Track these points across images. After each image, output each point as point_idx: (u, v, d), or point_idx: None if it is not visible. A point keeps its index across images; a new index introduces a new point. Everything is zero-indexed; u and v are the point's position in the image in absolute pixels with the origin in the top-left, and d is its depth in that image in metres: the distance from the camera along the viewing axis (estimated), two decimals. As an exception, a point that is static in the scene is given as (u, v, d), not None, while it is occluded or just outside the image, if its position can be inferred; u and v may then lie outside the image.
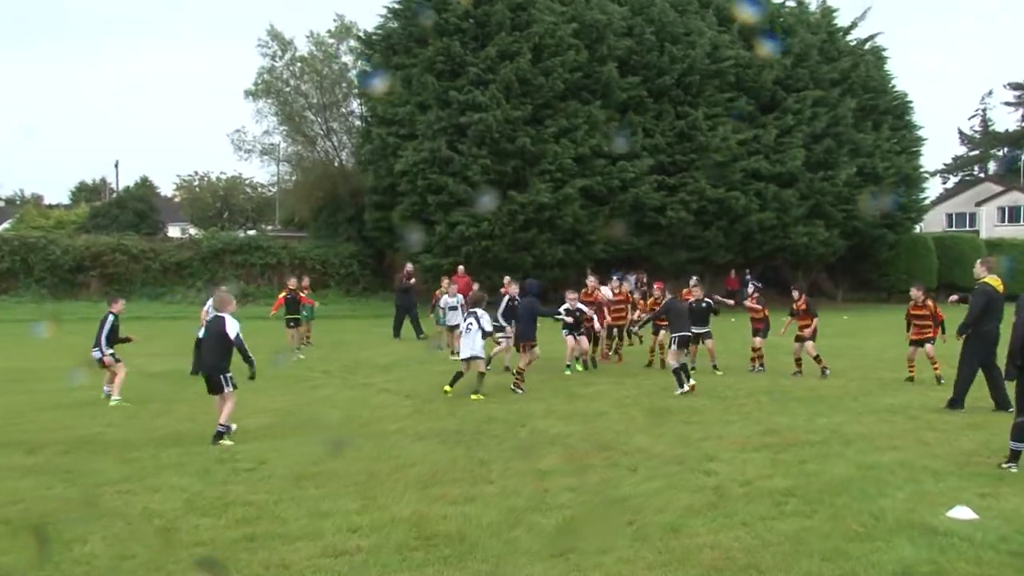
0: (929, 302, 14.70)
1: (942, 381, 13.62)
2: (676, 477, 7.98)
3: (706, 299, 15.92)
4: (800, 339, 15.36)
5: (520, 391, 13.20)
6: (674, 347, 13.53)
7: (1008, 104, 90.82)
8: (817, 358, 15.14)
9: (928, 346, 14.32)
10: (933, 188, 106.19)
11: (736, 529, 6.41)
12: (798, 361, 15.50)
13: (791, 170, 37.78)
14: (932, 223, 60.56)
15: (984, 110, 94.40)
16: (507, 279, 17.90)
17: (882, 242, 43.03)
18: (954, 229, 62.81)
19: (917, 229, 50.46)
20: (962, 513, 6.62)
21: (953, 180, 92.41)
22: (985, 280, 11.10)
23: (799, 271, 42.82)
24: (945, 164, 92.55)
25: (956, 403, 11.40)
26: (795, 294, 15.91)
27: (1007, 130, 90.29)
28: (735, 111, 37.69)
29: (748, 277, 39.09)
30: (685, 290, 17.03)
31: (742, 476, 7.97)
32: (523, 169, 33.52)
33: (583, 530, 6.47)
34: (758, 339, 16.09)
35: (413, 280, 24.77)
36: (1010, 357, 8.52)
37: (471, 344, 12.95)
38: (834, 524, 6.48)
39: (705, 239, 37.00)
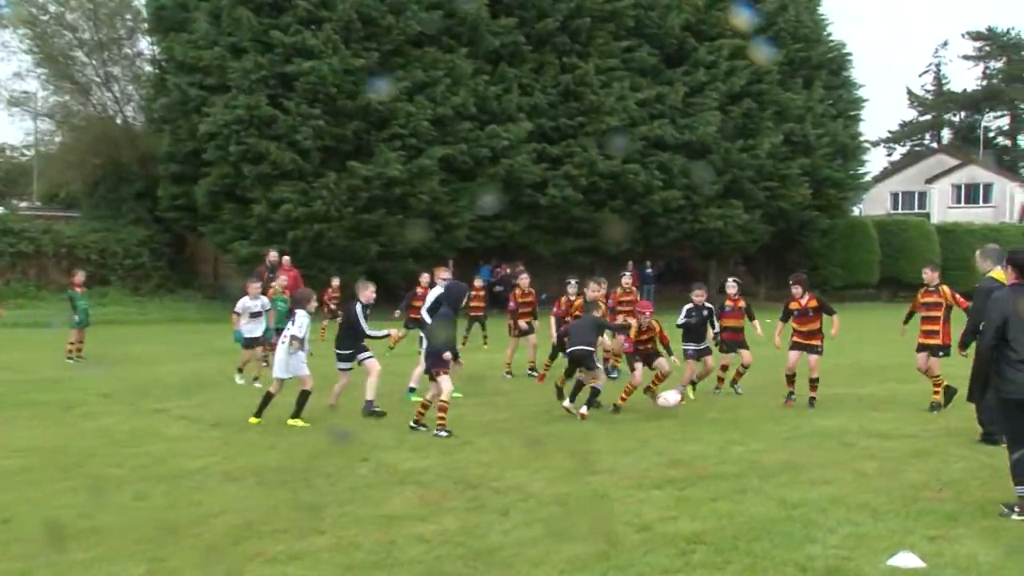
0: (945, 288, 14.04)
1: (938, 408, 13.82)
2: (558, 522, 8.04)
3: (706, 305, 15.62)
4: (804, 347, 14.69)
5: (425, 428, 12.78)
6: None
7: (966, 58, 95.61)
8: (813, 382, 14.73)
9: (933, 359, 13.98)
10: (876, 161, 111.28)
11: (632, 585, 6.51)
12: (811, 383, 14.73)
13: (703, 138, 38.86)
14: (874, 204, 63.32)
15: (938, 65, 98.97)
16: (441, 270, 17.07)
17: (813, 227, 44.59)
18: (901, 211, 65.78)
19: (856, 212, 52.55)
20: (907, 560, 6.85)
21: (900, 151, 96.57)
22: (991, 275, 10.85)
23: (712, 262, 44.05)
24: (891, 131, 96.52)
25: (989, 436, 11.17)
26: (798, 289, 14.88)
27: (964, 90, 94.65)
28: (634, 64, 38.49)
29: (650, 271, 40.05)
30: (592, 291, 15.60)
31: (639, 519, 8.09)
32: (367, 133, 33.38)
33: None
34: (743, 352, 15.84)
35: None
36: (974, 377, 8.62)
37: (289, 358, 12.84)
38: (751, 576, 6.65)
39: (596, 223, 37.62)
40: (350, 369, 14.00)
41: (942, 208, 66.03)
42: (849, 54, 47.01)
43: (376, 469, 10.15)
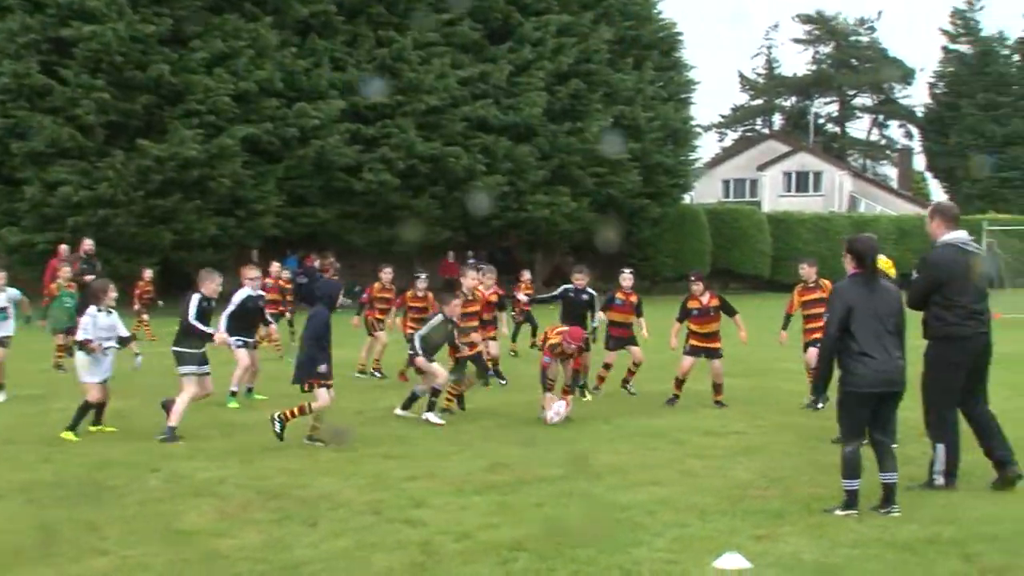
0: (826, 281, 13.96)
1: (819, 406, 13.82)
2: (371, 531, 8.04)
3: (588, 290, 15.62)
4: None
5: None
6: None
7: (797, 41, 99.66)
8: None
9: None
10: (708, 147, 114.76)
11: (449, 598, 6.55)
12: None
13: (528, 120, 39.28)
14: (706, 192, 65.27)
15: (769, 48, 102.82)
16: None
17: (643, 216, 45.58)
18: (732, 199, 68.03)
19: (687, 199, 53.99)
20: (732, 562, 7.13)
21: (732, 137, 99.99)
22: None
23: (538, 253, 44.58)
24: (722, 116, 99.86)
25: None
26: (699, 286, 14.98)
27: (795, 75, 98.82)
28: (456, 39, 38.62)
29: (472, 261, 40.23)
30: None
31: (459, 527, 8.15)
32: (159, 109, 32.44)
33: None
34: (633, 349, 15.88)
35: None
36: (818, 372, 8.97)
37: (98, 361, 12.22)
38: (576, 584, 6.76)
39: (415, 210, 37.61)
40: (206, 374, 12.74)
41: (773, 196, 68.55)
42: (680, 34, 48.30)
43: (168, 480, 9.91)
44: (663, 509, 8.69)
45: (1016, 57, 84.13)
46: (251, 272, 15.32)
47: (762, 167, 70.43)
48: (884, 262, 10.93)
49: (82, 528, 8.22)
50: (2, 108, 30.78)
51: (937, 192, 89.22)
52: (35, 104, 30.94)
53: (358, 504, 8.88)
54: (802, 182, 70.04)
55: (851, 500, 8.52)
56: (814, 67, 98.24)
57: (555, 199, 40.42)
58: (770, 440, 11.88)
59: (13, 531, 8.16)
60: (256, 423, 13.03)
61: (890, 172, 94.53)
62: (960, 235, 9.50)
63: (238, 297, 14.81)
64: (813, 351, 14.10)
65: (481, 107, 38.36)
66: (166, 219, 32.56)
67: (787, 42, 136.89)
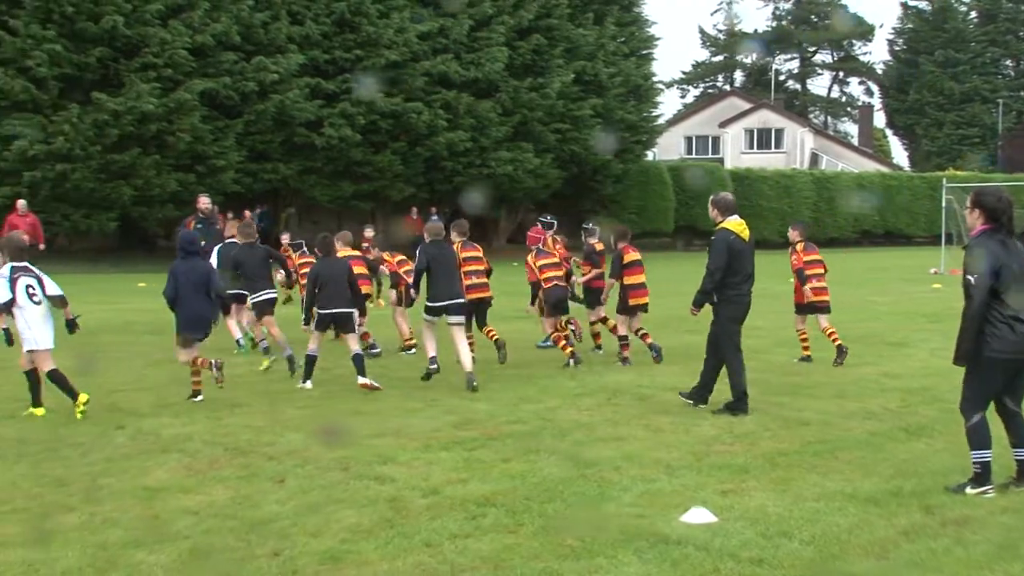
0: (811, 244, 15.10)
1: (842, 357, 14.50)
2: (338, 488, 8.09)
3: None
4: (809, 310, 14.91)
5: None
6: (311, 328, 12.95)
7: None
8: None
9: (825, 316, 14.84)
10: (669, 103, 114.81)
11: (418, 552, 6.61)
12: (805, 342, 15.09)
13: (490, 75, 39.16)
14: (668, 149, 65.47)
15: (729, 4, 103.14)
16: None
17: (607, 173, 45.68)
18: (694, 156, 68.27)
19: (650, 156, 54.15)
20: (699, 516, 7.23)
21: (694, 94, 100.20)
22: (725, 225, 11.18)
23: (501, 211, 44.56)
24: (684, 72, 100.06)
25: (741, 403, 11.02)
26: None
27: (756, 30, 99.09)
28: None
29: (435, 218, 40.19)
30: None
31: (426, 483, 8.22)
32: (115, 62, 32.04)
33: (209, 568, 6.38)
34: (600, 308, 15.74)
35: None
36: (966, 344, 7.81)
37: (41, 326, 11.11)
38: (544, 539, 6.84)
39: (377, 166, 37.50)
40: None
41: (735, 153, 68.85)
42: (640, -12, 48.26)
43: (135, 437, 9.92)
44: (629, 465, 8.78)
45: (973, 14, 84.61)
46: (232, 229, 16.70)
47: (724, 124, 70.69)
48: (736, 224, 11.17)
49: (49, 484, 8.22)
50: (-49, 60, 30.29)
51: (897, 149, 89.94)
52: (-15, 56, 30.49)
53: (325, 460, 8.91)
54: (764, 139, 70.41)
55: (984, 474, 7.79)
56: (774, 23, 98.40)
57: (518, 156, 40.36)
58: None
59: (-23, 488, 8.16)
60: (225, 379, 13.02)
61: (851, 129, 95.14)
62: None
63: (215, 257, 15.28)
64: (803, 317, 14.91)
65: (442, 62, 38.17)
66: (125, 174, 32.22)
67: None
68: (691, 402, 11.27)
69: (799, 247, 14.95)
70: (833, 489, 7.99)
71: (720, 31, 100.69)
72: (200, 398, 11.80)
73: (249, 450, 9.32)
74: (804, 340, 14.98)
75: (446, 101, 38.18)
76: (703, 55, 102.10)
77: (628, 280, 14.54)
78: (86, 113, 30.93)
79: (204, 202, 20.12)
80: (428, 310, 12.98)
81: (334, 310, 12.61)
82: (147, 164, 32.32)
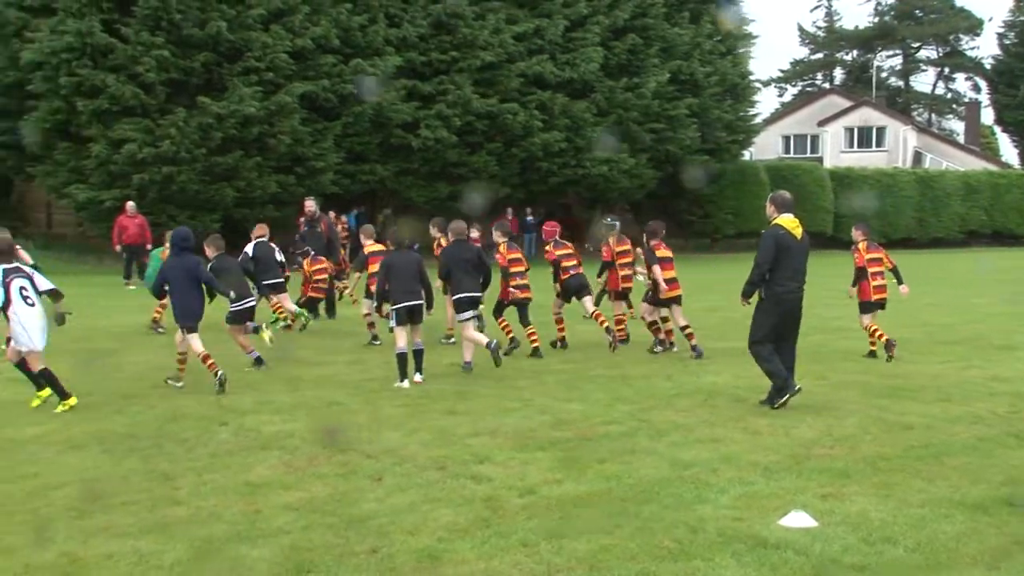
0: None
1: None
2: (435, 487, 8.13)
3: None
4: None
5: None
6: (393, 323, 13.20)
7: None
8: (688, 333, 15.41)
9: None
10: (767, 102, 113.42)
11: (515, 552, 6.62)
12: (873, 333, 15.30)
13: (585, 76, 39.08)
14: (765, 148, 64.66)
15: (829, 1, 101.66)
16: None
17: (703, 173, 45.28)
18: (792, 156, 67.32)
19: (746, 156, 53.56)
20: (798, 520, 7.12)
21: (792, 92, 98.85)
22: (778, 222, 11.39)
23: (597, 210, 44.40)
24: (782, 71, 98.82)
25: (777, 395, 11.33)
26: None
27: (856, 27, 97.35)
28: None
29: (530, 219, 40.37)
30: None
31: (522, 482, 8.23)
32: (218, 66, 32.66)
33: (308, 563, 6.47)
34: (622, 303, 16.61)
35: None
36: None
37: (35, 327, 11.28)
38: (641, 540, 6.81)
39: (472, 167, 37.65)
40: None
41: (835, 152, 67.75)
42: (738, -14, 47.82)
43: (237, 434, 10.09)
44: (727, 466, 8.70)
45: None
46: (260, 231, 18.05)
47: (823, 122, 69.56)
48: (789, 221, 11.33)
49: (156, 479, 8.41)
50: (67, 67, 31.06)
51: (1006, 146, 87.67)
52: (99, 62, 31.22)
53: (422, 459, 8.97)
54: (865, 137, 69.06)
55: None
56: (876, 19, 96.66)
57: (613, 156, 40.22)
58: (833, 398, 11.79)
59: (91, 480, 8.38)
60: (320, 378, 13.25)
61: (957, 127, 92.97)
62: None
63: (247, 249, 17.39)
64: (870, 314, 15.14)
65: (537, 63, 38.19)
66: (228, 176, 32.84)
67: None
68: (780, 399, 11.20)
69: (862, 246, 15.27)
70: (939, 495, 7.81)
71: (820, 28, 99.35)
72: (181, 384, 12.70)
73: (347, 448, 9.41)
74: (872, 335, 15.17)
75: (541, 102, 38.19)
76: (802, 52, 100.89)
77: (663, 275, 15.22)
78: (191, 117, 31.58)
79: (310, 205, 21.01)
80: (457, 307, 13.77)
81: (406, 303, 12.93)
82: (249, 166, 32.90)
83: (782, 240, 11.19)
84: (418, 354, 13.06)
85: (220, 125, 31.82)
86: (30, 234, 37.69)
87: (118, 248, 27.56)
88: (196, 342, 12.47)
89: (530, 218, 40.76)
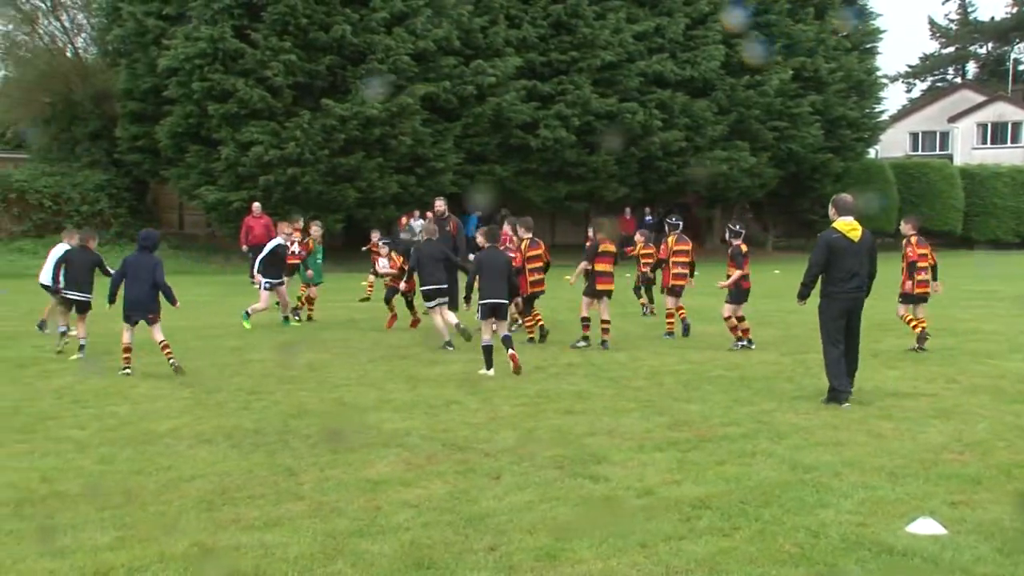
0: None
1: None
2: (553, 486, 8.13)
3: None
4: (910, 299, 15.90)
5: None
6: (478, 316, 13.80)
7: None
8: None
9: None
10: (894, 98, 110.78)
11: (633, 553, 6.59)
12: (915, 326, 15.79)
13: (706, 74, 38.80)
14: (892, 146, 63.20)
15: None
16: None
17: (826, 171, 44.57)
18: (921, 153, 65.69)
19: (872, 153, 52.41)
20: (927, 527, 6.93)
21: (920, 87, 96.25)
22: (834, 225, 11.80)
23: (717, 210, 44.06)
24: (910, 66, 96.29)
25: (833, 394, 11.56)
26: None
27: (992, 19, 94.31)
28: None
29: (649, 218, 40.11)
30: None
31: (640, 483, 8.19)
32: (342, 69, 33.20)
33: (428, 560, 6.53)
34: (671, 299, 17.21)
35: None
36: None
37: None
38: (761, 544, 6.74)
39: (591, 167, 37.61)
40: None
41: (966, 149, 65.91)
42: (864, -19, 46.92)
43: (358, 431, 10.21)
44: (850, 471, 8.53)
45: None
46: (286, 228, 19.72)
47: (954, 118, 67.68)
48: (846, 224, 11.71)
49: (280, 473, 8.58)
50: (200, 72, 31.90)
51: None
52: (229, 67, 32.02)
53: (540, 458, 8.98)
54: (999, 133, 66.93)
55: None
56: (1014, 10, 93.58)
57: (733, 154, 39.83)
58: (963, 402, 11.49)
59: (219, 473, 8.58)
60: (439, 376, 13.37)
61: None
62: None
63: (270, 245, 18.84)
64: (910, 306, 15.78)
65: (657, 62, 38.02)
66: (350, 177, 33.37)
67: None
68: (841, 401, 11.40)
69: (913, 240, 15.69)
70: (1078, 504, 7.55)
71: (952, 20, 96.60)
72: (128, 371, 13.56)
73: (466, 446, 9.48)
74: (913, 325, 15.63)
75: (661, 100, 37.99)
76: (932, 47, 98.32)
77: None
78: (315, 119, 32.16)
79: (440, 204, 21.49)
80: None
81: (490, 300, 13.49)
82: (371, 167, 33.36)
83: (835, 243, 11.56)
84: (505, 339, 13.64)
85: (343, 127, 32.36)
86: (164, 235, 38.86)
87: (244, 248, 28.13)
88: (158, 332, 13.62)
89: (648, 218, 40.52)
